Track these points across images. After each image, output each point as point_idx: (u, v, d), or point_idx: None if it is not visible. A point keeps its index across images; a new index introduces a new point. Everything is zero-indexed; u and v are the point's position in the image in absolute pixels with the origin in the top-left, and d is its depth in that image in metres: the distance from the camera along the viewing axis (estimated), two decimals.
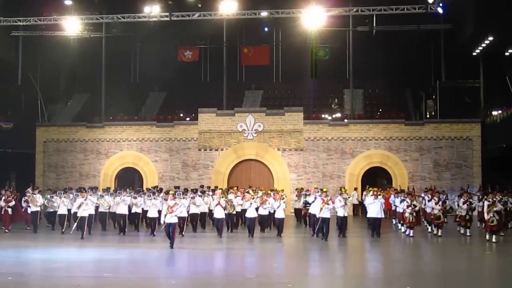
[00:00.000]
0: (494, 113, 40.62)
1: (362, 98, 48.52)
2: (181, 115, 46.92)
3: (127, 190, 32.28)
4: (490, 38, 40.51)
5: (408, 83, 47.96)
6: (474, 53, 43.13)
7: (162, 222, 25.09)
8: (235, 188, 34.23)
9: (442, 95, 44.25)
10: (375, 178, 41.83)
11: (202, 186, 36.86)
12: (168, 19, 40.78)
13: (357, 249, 26.38)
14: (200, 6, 42.61)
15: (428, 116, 44.65)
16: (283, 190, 37.17)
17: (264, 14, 40.99)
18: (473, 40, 41.92)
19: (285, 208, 29.95)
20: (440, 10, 37.90)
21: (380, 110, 47.31)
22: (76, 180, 42.66)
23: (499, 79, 41.22)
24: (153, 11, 40.67)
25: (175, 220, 24.64)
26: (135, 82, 54.04)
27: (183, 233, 28.28)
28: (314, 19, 39.88)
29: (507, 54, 40.65)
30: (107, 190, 32.40)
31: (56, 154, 43.71)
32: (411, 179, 40.32)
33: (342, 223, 28.12)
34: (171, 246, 24.05)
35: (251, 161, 42.12)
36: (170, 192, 27.05)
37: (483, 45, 41.70)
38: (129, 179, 43.40)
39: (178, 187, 37.21)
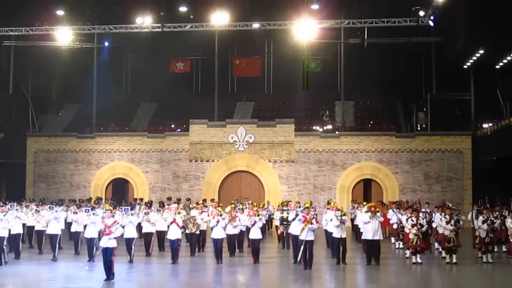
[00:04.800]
0: (485, 125, 40.71)
1: (353, 110, 48.59)
2: (172, 126, 46.88)
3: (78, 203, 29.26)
4: (481, 51, 40.67)
5: (399, 95, 48.02)
6: (465, 66, 43.30)
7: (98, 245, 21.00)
8: (200, 202, 29.60)
9: (433, 107, 44.32)
10: (366, 191, 41.72)
11: (169, 199, 35.41)
12: (160, 30, 40.72)
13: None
14: (192, 17, 42.63)
15: (419, 128, 44.71)
16: (269, 202, 36.96)
17: (256, 26, 41.02)
18: (464, 52, 42.10)
19: (262, 226, 25.57)
20: (431, 23, 38.00)
21: (371, 122, 47.38)
22: (67, 191, 42.56)
23: (490, 91, 41.40)
24: (145, 22, 40.61)
25: (114, 243, 19.85)
26: (127, 92, 53.96)
27: (131, 258, 23.94)
28: (305, 31, 39.90)
29: (498, 67, 40.88)
30: (50, 203, 28.14)
31: (46, 164, 43.57)
32: (401, 191, 40.35)
33: (338, 246, 23.65)
34: (108, 278, 19.58)
35: (242, 173, 42.06)
36: (107, 207, 22.94)
37: (474, 58, 41.87)
38: (120, 190, 43.26)
39: (141, 199, 36.26)
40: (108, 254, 19.63)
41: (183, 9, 42.95)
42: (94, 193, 41.92)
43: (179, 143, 42.38)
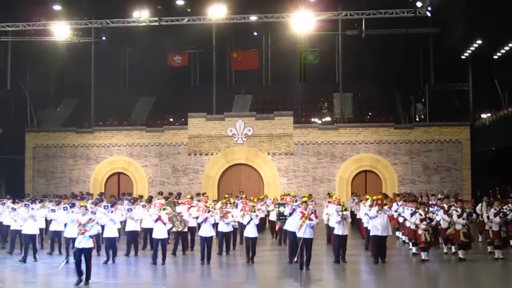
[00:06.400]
0: (483, 116, 40.79)
1: (351, 101, 48.51)
2: (171, 120, 46.87)
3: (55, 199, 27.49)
4: (479, 41, 40.65)
5: (398, 86, 47.96)
6: (463, 57, 43.28)
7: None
8: (188, 197, 28.56)
9: (431, 98, 44.28)
10: (364, 182, 41.69)
11: (160, 193, 34.48)
12: (157, 24, 40.76)
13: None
14: (189, 10, 42.65)
15: (417, 119, 44.71)
16: (267, 196, 35.56)
17: (253, 18, 41.03)
18: (461, 43, 42.06)
19: (258, 223, 23.75)
20: (428, 14, 38.00)
21: (370, 113, 47.32)
22: (66, 186, 42.58)
23: (488, 82, 41.43)
24: (142, 16, 40.65)
25: (90, 244, 18.29)
26: (125, 87, 53.87)
27: (113, 259, 22.50)
28: (303, 23, 39.90)
29: (495, 57, 40.85)
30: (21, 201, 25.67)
31: (45, 159, 43.56)
32: (401, 183, 40.37)
33: (338, 244, 22.00)
34: (79, 281, 18.02)
35: (241, 166, 42.06)
36: (82, 204, 20.98)
37: (472, 48, 41.85)
38: (122, 185, 43.18)
39: (130, 194, 35.44)
40: (85, 256, 18.08)
41: (180, 2, 43.03)
42: (94, 187, 42.02)
43: (177, 137, 42.37)
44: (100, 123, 45.56)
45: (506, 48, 39.10)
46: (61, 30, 42.12)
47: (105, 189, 42.32)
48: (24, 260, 22.54)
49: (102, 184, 42.82)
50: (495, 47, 40.02)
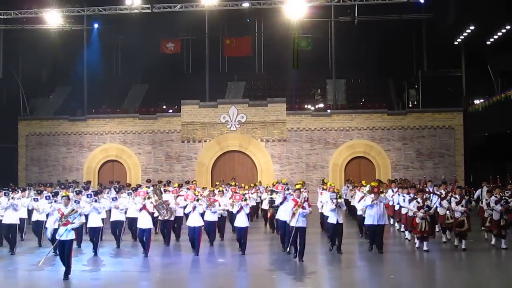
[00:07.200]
0: (476, 102, 40.79)
1: (344, 88, 48.49)
2: (164, 107, 46.75)
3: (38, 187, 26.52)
4: (472, 27, 40.64)
5: (391, 73, 47.93)
6: (456, 42, 43.27)
7: (48, 235, 18.22)
8: (176, 185, 27.26)
9: (424, 84, 44.31)
10: (358, 168, 41.77)
11: (148, 181, 33.95)
12: (149, 11, 40.65)
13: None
14: None
15: (410, 105, 44.74)
16: (260, 183, 35.70)
17: (246, 5, 40.97)
18: (454, 29, 42.04)
19: (249, 212, 22.43)
20: (421, 0, 37.96)
21: (363, 100, 47.33)
22: (59, 174, 42.52)
23: (481, 68, 41.49)
24: (134, 3, 40.55)
25: (72, 236, 17.41)
26: (117, 74, 53.76)
27: (96, 251, 21.60)
28: (295, 10, 39.88)
29: (488, 43, 40.84)
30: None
31: (38, 147, 43.50)
32: (394, 169, 40.44)
33: (333, 233, 21.15)
34: (65, 276, 17.31)
35: (235, 153, 42.07)
36: (64, 193, 19.67)
37: (465, 34, 41.83)
38: (115, 173, 43.19)
39: (118, 182, 34.17)
40: (65, 248, 17.25)
41: None
42: (87, 175, 41.99)
43: (171, 124, 42.35)
44: (93, 110, 45.46)
45: (499, 33, 39.07)
46: (53, 18, 42.02)
47: (98, 177, 42.36)
48: (11, 250, 22.03)
49: (96, 172, 42.81)
50: (488, 32, 40.00)
